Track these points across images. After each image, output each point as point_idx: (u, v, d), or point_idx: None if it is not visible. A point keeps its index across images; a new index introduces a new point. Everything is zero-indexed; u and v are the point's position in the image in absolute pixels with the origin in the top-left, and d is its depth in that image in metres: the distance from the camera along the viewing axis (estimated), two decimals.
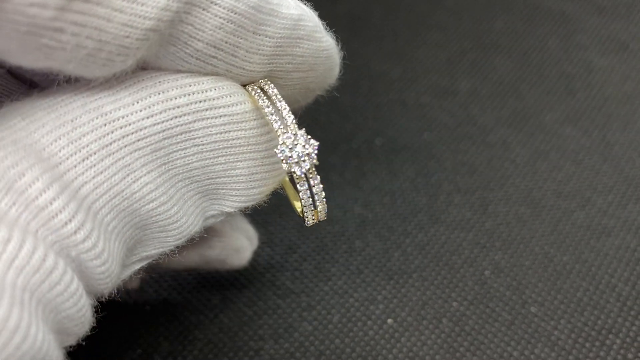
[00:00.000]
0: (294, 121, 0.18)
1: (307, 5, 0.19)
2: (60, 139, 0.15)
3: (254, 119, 0.18)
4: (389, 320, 0.27)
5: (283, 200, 0.25)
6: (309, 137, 0.18)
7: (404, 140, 0.34)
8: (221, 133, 0.17)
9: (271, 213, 0.31)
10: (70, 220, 0.14)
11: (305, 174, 0.18)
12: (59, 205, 0.14)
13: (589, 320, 0.27)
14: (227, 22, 0.16)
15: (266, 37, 0.17)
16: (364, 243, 0.30)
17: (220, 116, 0.17)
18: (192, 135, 0.17)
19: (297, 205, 0.21)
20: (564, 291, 0.28)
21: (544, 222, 0.30)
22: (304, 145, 0.18)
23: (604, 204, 0.31)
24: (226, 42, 0.17)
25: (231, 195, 0.19)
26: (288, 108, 0.18)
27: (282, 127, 0.18)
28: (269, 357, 0.26)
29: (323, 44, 0.20)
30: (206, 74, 0.17)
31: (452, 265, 0.29)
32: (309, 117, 0.35)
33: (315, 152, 0.18)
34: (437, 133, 0.34)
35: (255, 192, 0.19)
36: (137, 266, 0.18)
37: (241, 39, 0.17)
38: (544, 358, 0.25)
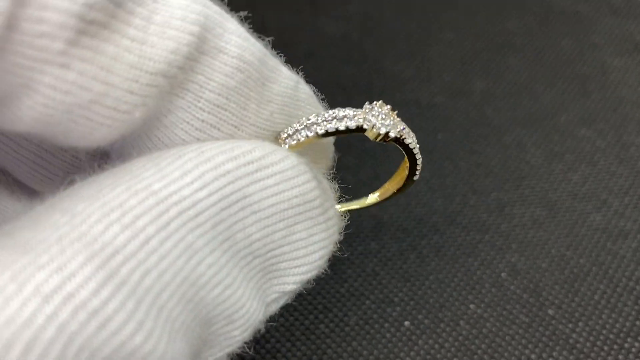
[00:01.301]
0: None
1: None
2: (112, 225, 0.13)
3: (304, 172, 0.16)
4: (406, 323, 0.27)
5: None
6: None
7: (418, 140, 0.33)
8: (277, 194, 0.16)
9: None
10: (126, 323, 0.12)
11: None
12: (114, 308, 0.12)
13: (607, 323, 0.27)
14: (237, 70, 0.16)
15: (272, 93, 0.17)
16: (379, 245, 0.30)
17: (272, 175, 0.16)
18: (249, 201, 0.15)
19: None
20: (582, 294, 0.28)
21: (560, 224, 0.30)
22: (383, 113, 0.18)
23: (620, 206, 0.31)
24: (237, 93, 0.16)
25: (292, 267, 0.17)
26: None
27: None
28: None
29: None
30: (237, 138, 0.16)
31: (468, 268, 0.29)
32: None
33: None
34: (452, 133, 0.34)
35: (316, 258, 0.17)
36: None
37: (251, 90, 0.16)
38: None
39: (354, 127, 0.18)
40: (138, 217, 0.13)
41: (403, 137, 0.18)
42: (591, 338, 0.26)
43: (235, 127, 0.16)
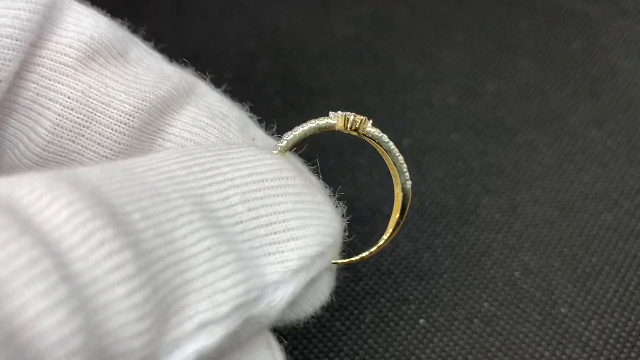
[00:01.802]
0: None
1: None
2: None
3: (279, 158, 0.19)
4: (421, 321, 0.27)
5: None
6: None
7: (431, 140, 0.34)
8: (251, 168, 0.18)
9: None
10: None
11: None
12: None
13: (619, 321, 0.27)
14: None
15: None
16: (393, 244, 0.30)
17: (248, 156, 0.18)
18: (226, 175, 0.17)
19: None
20: (594, 292, 0.28)
21: (572, 223, 0.31)
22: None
23: (632, 206, 0.31)
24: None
25: (288, 241, 0.17)
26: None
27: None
28: (303, 357, 0.26)
29: None
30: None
31: (482, 267, 0.29)
32: None
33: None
34: (464, 134, 0.34)
35: (312, 232, 0.18)
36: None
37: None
38: (575, 359, 0.26)
39: (323, 123, 0.21)
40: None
41: (370, 128, 0.21)
42: (603, 336, 0.26)
43: None
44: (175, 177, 0.15)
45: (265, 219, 0.17)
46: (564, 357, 0.26)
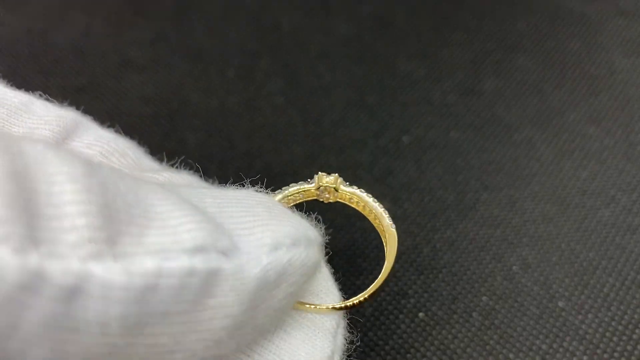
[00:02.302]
0: None
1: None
2: None
3: None
4: (420, 314, 0.28)
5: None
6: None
7: (431, 138, 0.34)
8: None
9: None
10: None
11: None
12: None
13: (616, 315, 0.27)
14: None
15: None
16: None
17: None
18: None
19: None
20: (591, 287, 0.28)
21: (570, 219, 0.31)
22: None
23: (629, 202, 0.31)
24: None
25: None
26: None
27: None
28: None
29: None
30: None
31: (480, 261, 0.29)
32: (337, 115, 0.36)
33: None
34: (464, 132, 0.35)
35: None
36: None
37: None
38: (573, 351, 0.26)
39: (304, 187, 0.21)
40: None
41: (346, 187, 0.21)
42: (600, 329, 0.27)
43: None
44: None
45: (237, 216, 0.16)
46: (561, 349, 0.26)
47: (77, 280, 0.11)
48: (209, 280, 0.13)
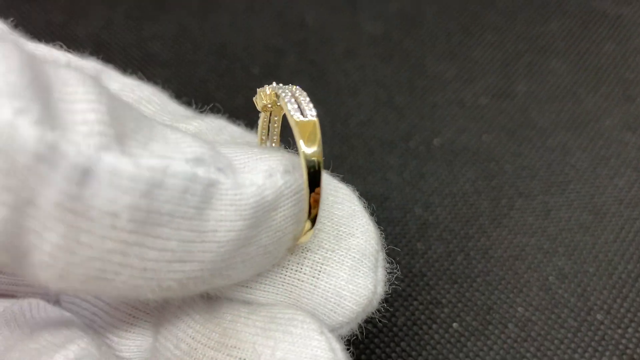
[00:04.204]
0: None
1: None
2: None
3: None
4: (454, 324, 0.27)
5: None
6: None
7: (463, 141, 0.34)
8: None
9: None
10: None
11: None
12: None
13: None
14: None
15: None
16: (425, 246, 0.29)
17: None
18: None
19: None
20: (630, 299, 0.27)
21: (607, 229, 0.30)
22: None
23: None
24: None
25: None
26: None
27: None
28: None
29: None
30: None
31: (516, 270, 0.29)
32: (364, 115, 0.35)
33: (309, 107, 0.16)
34: (496, 135, 0.34)
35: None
36: None
37: None
38: None
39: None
40: None
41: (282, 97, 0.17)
42: None
43: None
44: None
45: (233, 151, 0.16)
46: None
47: (89, 163, 0.12)
48: (209, 191, 0.14)
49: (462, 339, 0.26)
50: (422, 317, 0.27)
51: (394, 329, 0.27)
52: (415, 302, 0.28)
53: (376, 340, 0.26)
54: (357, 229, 0.19)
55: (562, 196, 0.31)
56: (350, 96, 0.36)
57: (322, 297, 0.19)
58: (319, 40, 0.40)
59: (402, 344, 0.26)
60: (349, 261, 0.19)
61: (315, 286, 0.19)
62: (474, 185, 0.32)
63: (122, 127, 0.13)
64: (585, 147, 0.33)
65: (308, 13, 0.41)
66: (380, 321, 0.27)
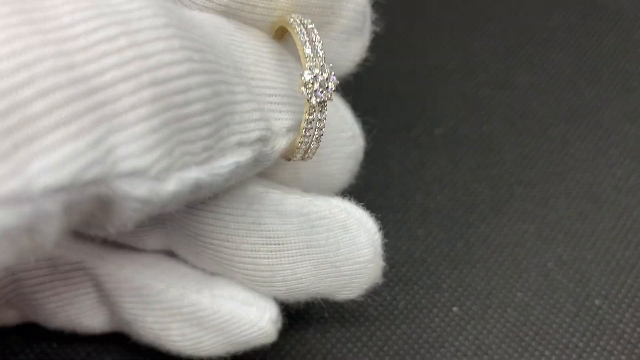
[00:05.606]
0: (324, 55, 0.18)
1: None
2: None
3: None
4: (455, 309, 0.27)
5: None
6: (333, 72, 0.18)
7: (464, 131, 0.34)
8: None
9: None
10: None
11: (318, 104, 0.18)
12: None
13: None
14: None
15: None
16: (426, 232, 0.30)
17: None
18: None
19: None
20: (628, 285, 0.28)
21: (605, 217, 0.30)
22: (326, 78, 0.18)
23: None
24: None
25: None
26: (321, 41, 0.18)
27: (311, 54, 0.18)
28: (336, 341, 0.26)
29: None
30: None
31: (515, 257, 0.29)
32: (367, 105, 0.35)
33: (333, 87, 0.18)
34: (497, 125, 0.34)
35: None
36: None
37: None
38: (610, 350, 0.26)
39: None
40: None
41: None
42: (638, 329, 0.26)
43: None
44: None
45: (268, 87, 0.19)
46: (598, 348, 0.26)
47: None
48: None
49: (462, 322, 0.27)
50: (423, 301, 0.28)
51: (395, 312, 0.27)
52: (415, 287, 0.28)
53: (377, 322, 0.27)
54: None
55: (562, 185, 0.32)
56: (353, 86, 0.37)
57: None
58: None
59: (403, 326, 0.27)
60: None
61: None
62: (474, 173, 0.32)
63: None
64: (585, 137, 0.34)
65: None
66: (381, 305, 0.27)
